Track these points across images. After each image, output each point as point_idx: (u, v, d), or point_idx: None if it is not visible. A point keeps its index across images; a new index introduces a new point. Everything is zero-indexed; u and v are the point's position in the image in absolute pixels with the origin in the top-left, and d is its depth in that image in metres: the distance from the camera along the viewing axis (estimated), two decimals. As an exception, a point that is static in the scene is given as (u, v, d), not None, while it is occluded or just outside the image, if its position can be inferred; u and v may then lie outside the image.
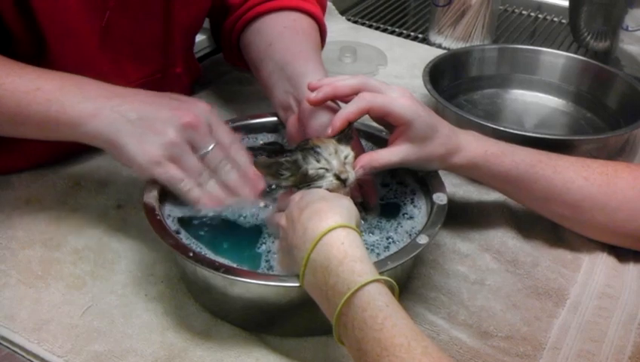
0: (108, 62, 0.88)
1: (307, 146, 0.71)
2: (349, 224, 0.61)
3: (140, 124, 0.72)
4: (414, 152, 0.74)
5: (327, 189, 0.68)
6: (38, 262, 0.77)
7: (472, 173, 0.79)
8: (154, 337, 0.69)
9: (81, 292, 0.74)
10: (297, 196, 0.68)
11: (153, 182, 0.74)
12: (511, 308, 0.74)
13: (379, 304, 0.55)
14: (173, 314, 0.72)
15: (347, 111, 0.73)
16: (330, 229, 0.60)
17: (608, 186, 0.79)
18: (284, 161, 0.71)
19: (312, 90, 0.76)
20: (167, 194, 0.75)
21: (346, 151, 0.72)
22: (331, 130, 0.72)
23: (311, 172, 0.69)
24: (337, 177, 0.69)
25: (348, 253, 0.59)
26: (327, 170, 0.69)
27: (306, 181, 0.69)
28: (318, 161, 0.70)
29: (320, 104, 0.76)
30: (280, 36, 0.91)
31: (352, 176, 0.70)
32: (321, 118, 0.77)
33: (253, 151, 0.77)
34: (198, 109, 0.74)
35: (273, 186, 0.76)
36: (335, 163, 0.70)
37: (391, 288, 0.58)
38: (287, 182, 0.71)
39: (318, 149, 0.70)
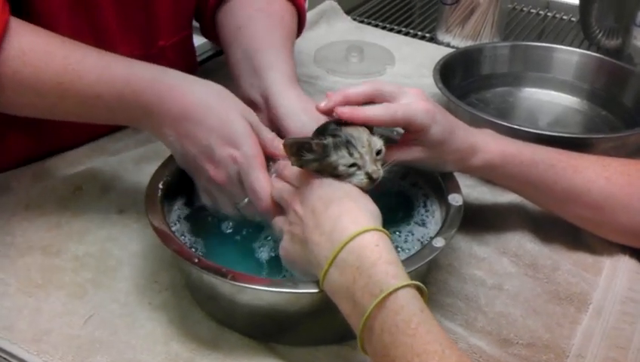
0: (87, 30, 0.84)
1: (339, 133, 0.65)
2: (382, 228, 0.59)
3: (186, 159, 0.72)
4: (428, 155, 0.72)
5: (355, 185, 0.64)
6: (37, 269, 0.75)
7: (489, 175, 0.77)
8: (158, 347, 0.66)
9: (83, 301, 0.71)
10: (315, 182, 0.63)
11: (156, 186, 0.72)
12: (531, 313, 0.71)
13: (413, 308, 0.53)
14: (179, 323, 0.69)
15: (371, 114, 0.67)
16: (365, 231, 0.57)
17: (630, 186, 0.76)
18: (312, 143, 0.64)
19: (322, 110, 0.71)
20: (171, 197, 0.73)
21: (379, 144, 0.66)
22: (347, 114, 0.66)
23: (341, 168, 0.63)
24: (368, 176, 0.64)
25: (382, 255, 0.56)
26: (359, 166, 0.64)
27: (332, 173, 0.64)
28: (350, 155, 0.63)
29: (329, 112, 0.70)
30: (250, 20, 0.86)
31: (381, 174, 0.65)
32: (301, 117, 0.74)
33: None
34: (233, 163, 0.69)
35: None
36: (368, 158, 0.64)
37: (421, 294, 0.55)
38: (309, 165, 0.65)
39: (353, 140, 0.64)
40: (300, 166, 0.65)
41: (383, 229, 0.59)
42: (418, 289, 0.55)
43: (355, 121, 0.67)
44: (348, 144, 0.64)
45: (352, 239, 0.57)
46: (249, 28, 0.86)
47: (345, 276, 0.57)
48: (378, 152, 0.65)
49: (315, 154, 0.64)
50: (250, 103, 0.80)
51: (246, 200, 0.70)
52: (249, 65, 0.82)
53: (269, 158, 0.71)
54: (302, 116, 0.75)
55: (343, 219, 0.59)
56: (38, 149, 0.90)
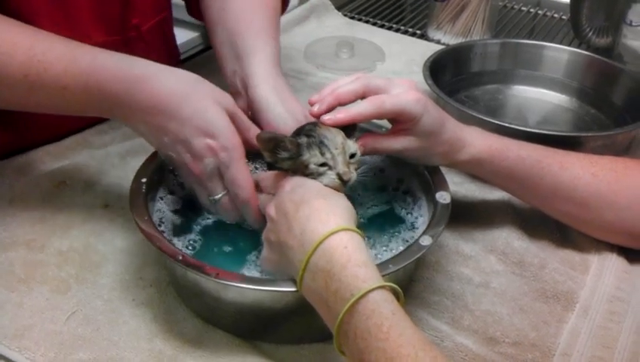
0: (62, 15, 0.82)
1: (314, 133, 0.66)
2: (352, 227, 0.58)
3: (163, 150, 0.70)
4: (418, 145, 0.71)
5: (326, 185, 0.64)
6: (20, 264, 0.74)
7: (476, 170, 0.76)
8: (142, 344, 0.65)
9: (66, 296, 0.70)
10: (288, 185, 0.63)
11: (140, 181, 0.71)
12: (518, 312, 0.71)
13: (384, 312, 0.52)
14: (163, 319, 0.68)
15: (356, 112, 0.67)
16: (333, 232, 0.56)
17: (617, 183, 0.75)
18: (287, 140, 0.65)
19: (313, 104, 0.69)
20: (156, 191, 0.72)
21: (354, 148, 0.66)
22: (331, 120, 0.66)
23: (312, 167, 0.64)
24: (339, 177, 0.64)
25: (352, 257, 0.55)
26: (330, 167, 0.64)
27: (304, 173, 0.65)
28: (322, 154, 0.64)
29: (325, 114, 0.69)
30: (233, 1, 0.85)
31: (354, 177, 0.65)
32: (277, 109, 0.73)
33: None
34: (210, 154, 0.67)
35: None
36: (340, 160, 0.64)
37: (396, 295, 0.55)
38: (283, 163, 0.66)
39: (326, 140, 0.65)
40: (274, 162, 0.66)
41: (353, 228, 0.58)
42: (392, 289, 0.55)
43: (342, 124, 0.66)
44: (321, 144, 0.64)
45: (321, 242, 0.56)
46: (232, 9, 0.84)
47: (317, 281, 0.56)
48: (352, 156, 0.66)
49: (289, 153, 0.65)
50: (233, 91, 0.79)
51: (221, 194, 0.69)
52: (232, 50, 0.80)
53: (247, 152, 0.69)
54: (278, 108, 0.74)
55: (312, 220, 0.58)
56: (21, 141, 0.89)
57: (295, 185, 0.63)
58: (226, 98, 0.70)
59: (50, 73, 0.69)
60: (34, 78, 0.69)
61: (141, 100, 0.68)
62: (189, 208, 0.74)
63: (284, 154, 0.65)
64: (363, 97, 0.69)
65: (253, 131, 0.70)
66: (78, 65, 0.69)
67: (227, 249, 0.70)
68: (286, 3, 0.96)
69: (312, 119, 0.68)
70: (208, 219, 0.73)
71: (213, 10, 0.86)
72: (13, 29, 0.71)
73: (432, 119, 0.69)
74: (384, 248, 0.70)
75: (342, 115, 0.66)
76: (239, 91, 0.79)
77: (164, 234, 0.68)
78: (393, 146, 0.71)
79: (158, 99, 0.67)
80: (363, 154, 0.69)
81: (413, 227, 0.73)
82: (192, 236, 0.71)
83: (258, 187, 0.69)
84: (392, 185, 0.79)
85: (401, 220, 0.75)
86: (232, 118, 0.68)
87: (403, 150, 0.71)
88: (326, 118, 0.66)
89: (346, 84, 0.69)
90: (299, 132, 0.67)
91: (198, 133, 0.67)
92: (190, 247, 0.70)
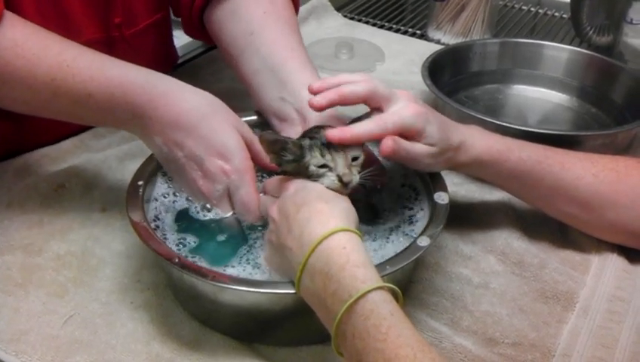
0: (53, 13, 0.82)
1: (317, 135, 0.65)
2: (351, 228, 0.58)
3: (171, 165, 0.73)
4: (430, 152, 0.70)
5: (327, 188, 0.64)
6: (18, 268, 0.74)
7: (477, 172, 0.76)
8: (139, 348, 0.65)
9: (63, 300, 0.70)
10: (291, 188, 0.63)
11: (137, 184, 0.71)
12: (517, 312, 0.71)
13: (382, 312, 0.52)
14: (160, 322, 0.68)
15: (361, 133, 0.65)
16: (331, 233, 0.56)
17: (618, 183, 0.75)
18: (290, 142, 0.65)
19: (314, 92, 0.68)
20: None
21: (357, 152, 0.66)
22: (337, 137, 0.64)
23: (311, 168, 0.63)
24: (339, 178, 0.64)
25: (350, 258, 0.55)
26: (330, 168, 0.64)
27: (306, 174, 0.64)
28: (322, 156, 0.64)
29: (323, 110, 0.69)
30: (262, 25, 0.84)
31: (355, 179, 0.65)
32: None
33: None
34: (223, 176, 0.70)
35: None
36: (340, 161, 0.64)
37: (394, 296, 0.54)
38: (287, 166, 0.65)
39: (327, 142, 0.64)
40: (279, 164, 0.66)
41: (352, 229, 0.58)
42: (391, 290, 0.54)
43: (348, 143, 0.65)
44: (322, 146, 0.64)
45: (319, 243, 0.56)
46: (263, 35, 0.83)
47: (315, 282, 0.56)
48: (355, 158, 0.65)
49: (293, 155, 0.65)
50: (282, 118, 0.79)
51: (228, 215, 0.72)
52: (274, 78, 0.80)
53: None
54: None
55: (312, 222, 0.58)
56: (19, 143, 0.89)
57: (298, 187, 0.63)
58: (243, 124, 0.73)
59: (77, 79, 0.70)
60: (60, 83, 0.70)
61: (162, 114, 0.71)
62: (184, 208, 0.74)
63: (288, 157, 0.65)
64: (364, 102, 0.69)
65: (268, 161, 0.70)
66: (105, 75, 0.71)
67: (221, 245, 0.70)
68: (297, 8, 0.95)
69: None
70: (204, 217, 0.73)
71: (239, 34, 0.84)
72: (42, 34, 0.72)
73: (436, 128, 0.69)
74: (385, 240, 0.70)
75: (349, 135, 0.65)
76: (289, 118, 0.78)
77: (160, 236, 0.68)
78: (414, 150, 0.69)
79: (178, 115, 0.70)
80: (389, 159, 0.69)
81: (411, 221, 0.72)
82: (187, 234, 0.71)
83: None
84: (398, 182, 0.78)
85: (402, 214, 0.74)
86: (249, 145, 0.72)
87: (419, 156, 0.69)
88: (333, 134, 0.64)
89: (351, 82, 0.68)
90: (305, 134, 0.67)
91: (212, 153, 0.70)
92: (184, 245, 0.70)
